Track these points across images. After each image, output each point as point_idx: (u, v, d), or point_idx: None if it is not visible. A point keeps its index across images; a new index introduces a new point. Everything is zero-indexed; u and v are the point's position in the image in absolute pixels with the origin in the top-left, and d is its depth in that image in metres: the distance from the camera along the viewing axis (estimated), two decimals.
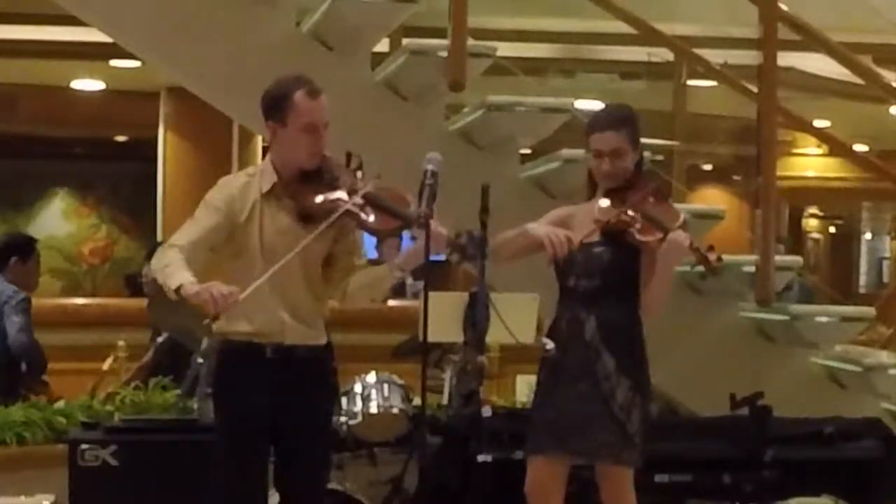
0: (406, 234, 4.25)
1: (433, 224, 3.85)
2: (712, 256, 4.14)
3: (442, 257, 4.24)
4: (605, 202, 4.22)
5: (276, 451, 4.01)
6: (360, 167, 3.99)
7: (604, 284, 4.18)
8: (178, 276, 3.70)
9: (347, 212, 3.85)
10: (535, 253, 4.26)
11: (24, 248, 6.46)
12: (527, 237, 4.21)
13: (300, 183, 3.95)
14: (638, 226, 4.13)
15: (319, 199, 3.91)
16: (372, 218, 3.89)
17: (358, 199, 3.86)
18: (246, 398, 3.93)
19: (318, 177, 3.95)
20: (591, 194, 4.33)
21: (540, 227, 4.20)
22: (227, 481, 3.95)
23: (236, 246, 3.93)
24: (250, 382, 3.93)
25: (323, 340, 4.06)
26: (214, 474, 3.98)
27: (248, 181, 4.00)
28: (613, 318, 4.18)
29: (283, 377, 3.93)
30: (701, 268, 4.16)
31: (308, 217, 3.92)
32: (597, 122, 4.29)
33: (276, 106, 3.92)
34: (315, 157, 3.94)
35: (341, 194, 3.90)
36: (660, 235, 4.10)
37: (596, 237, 4.20)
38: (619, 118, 4.29)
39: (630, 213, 4.14)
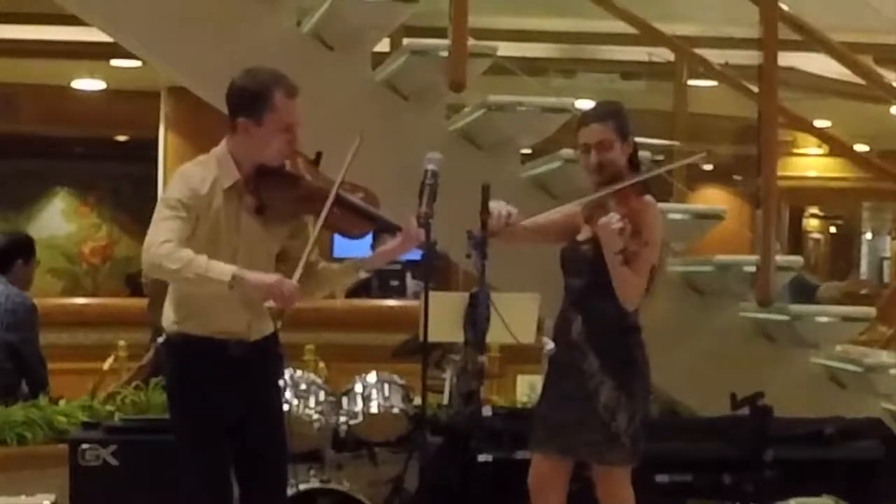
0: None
1: (410, 226, 3.81)
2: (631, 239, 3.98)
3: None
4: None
5: (236, 446, 3.93)
6: (319, 160, 3.92)
7: (591, 282, 4.19)
8: (221, 266, 3.60)
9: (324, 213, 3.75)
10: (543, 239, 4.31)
11: (29, 249, 6.45)
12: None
13: (264, 179, 3.85)
14: (597, 215, 4.12)
15: (285, 197, 3.84)
16: (343, 220, 3.83)
17: (330, 200, 3.75)
18: (208, 396, 3.85)
19: (281, 173, 3.86)
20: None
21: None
22: (196, 480, 3.88)
23: (196, 245, 3.69)
24: (212, 380, 3.85)
25: (272, 328, 4.01)
26: (183, 472, 3.89)
27: (207, 175, 3.83)
28: (599, 316, 4.18)
29: (245, 372, 3.88)
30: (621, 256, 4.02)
31: (270, 215, 3.85)
32: (583, 118, 4.34)
33: (252, 103, 3.80)
34: (287, 156, 3.86)
35: (307, 193, 3.82)
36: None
37: (587, 234, 4.22)
38: (604, 111, 4.33)
39: (600, 204, 4.14)
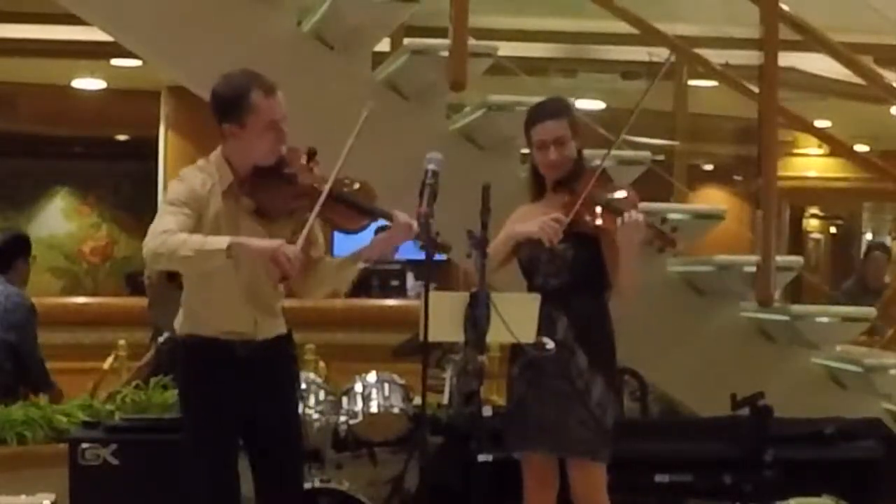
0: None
1: (399, 214, 3.84)
2: (666, 228, 4.21)
3: (442, 256, 4.23)
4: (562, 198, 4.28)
5: (249, 446, 3.97)
6: (313, 157, 3.93)
7: (572, 281, 4.25)
8: (218, 239, 3.60)
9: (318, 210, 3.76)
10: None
11: (27, 246, 6.46)
12: (517, 238, 4.27)
13: (258, 180, 3.86)
14: (595, 215, 4.19)
15: (280, 196, 3.85)
16: (338, 215, 3.85)
17: (323, 197, 3.76)
18: (216, 396, 3.88)
19: (276, 173, 3.87)
20: (537, 194, 4.42)
21: (529, 224, 4.26)
22: (204, 480, 3.90)
23: None
24: (220, 381, 3.87)
25: (285, 329, 4.03)
26: (189, 473, 3.92)
27: (206, 179, 3.86)
28: (584, 315, 4.23)
29: (252, 372, 3.89)
30: (659, 244, 4.23)
31: (268, 215, 3.86)
32: (536, 115, 4.39)
33: (231, 108, 3.83)
34: (276, 153, 3.87)
35: (303, 190, 3.84)
36: (618, 219, 4.16)
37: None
38: (557, 107, 4.40)
39: (586, 202, 4.20)
